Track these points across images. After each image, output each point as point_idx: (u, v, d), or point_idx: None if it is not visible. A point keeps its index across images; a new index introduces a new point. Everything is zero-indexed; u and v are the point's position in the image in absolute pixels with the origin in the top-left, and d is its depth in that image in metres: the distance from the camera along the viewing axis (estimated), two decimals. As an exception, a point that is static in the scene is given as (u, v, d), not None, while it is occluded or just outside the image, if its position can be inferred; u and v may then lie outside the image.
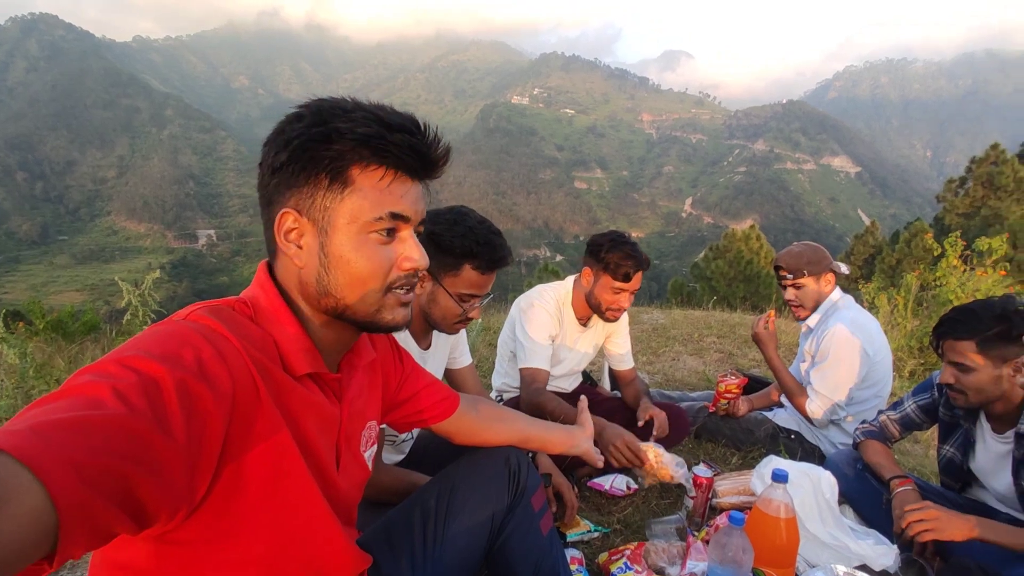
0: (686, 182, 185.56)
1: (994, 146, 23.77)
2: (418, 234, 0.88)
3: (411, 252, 0.84)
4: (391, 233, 0.82)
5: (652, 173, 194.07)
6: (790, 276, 2.46)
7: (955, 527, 1.61)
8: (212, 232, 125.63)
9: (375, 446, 1.08)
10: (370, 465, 1.05)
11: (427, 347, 1.71)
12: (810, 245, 2.51)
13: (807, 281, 2.45)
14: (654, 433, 2.18)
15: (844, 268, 2.48)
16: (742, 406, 2.64)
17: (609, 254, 2.15)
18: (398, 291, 0.85)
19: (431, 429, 1.28)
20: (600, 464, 1.50)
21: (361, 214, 0.79)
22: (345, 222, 0.79)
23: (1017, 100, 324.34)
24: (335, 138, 0.76)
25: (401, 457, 1.75)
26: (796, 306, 2.50)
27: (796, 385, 2.48)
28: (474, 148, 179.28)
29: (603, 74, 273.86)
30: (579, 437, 1.44)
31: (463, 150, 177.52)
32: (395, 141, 0.77)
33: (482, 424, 1.31)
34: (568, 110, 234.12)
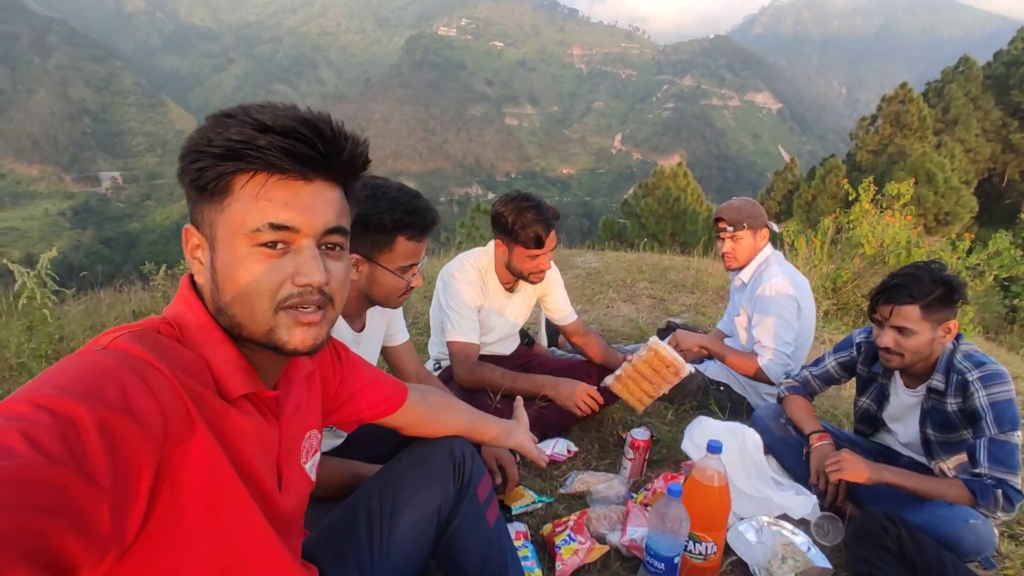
0: (616, 118, 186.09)
1: (902, 85, 24.99)
2: (332, 245, 0.80)
3: (302, 266, 0.75)
4: (280, 246, 0.75)
5: (582, 109, 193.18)
6: (730, 228, 2.51)
7: (861, 469, 1.77)
8: (117, 174, 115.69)
9: (317, 454, 1.03)
10: (313, 475, 1.00)
11: (360, 328, 1.64)
12: (749, 200, 2.57)
13: (745, 234, 2.51)
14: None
15: (776, 227, 2.56)
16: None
17: (515, 224, 2.08)
18: (295, 310, 0.77)
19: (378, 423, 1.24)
20: (543, 463, 1.57)
21: (240, 226, 0.73)
22: (226, 235, 0.74)
23: (923, 39, 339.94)
24: (205, 148, 0.72)
25: (339, 441, 1.70)
26: (731, 257, 2.57)
27: (746, 358, 2.54)
28: (401, 82, 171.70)
29: (532, 5, 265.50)
30: (516, 431, 1.49)
31: (389, 84, 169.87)
32: (261, 144, 0.71)
33: (431, 416, 1.29)
34: (497, 43, 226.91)
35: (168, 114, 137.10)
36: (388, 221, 1.43)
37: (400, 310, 1.90)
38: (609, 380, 2.12)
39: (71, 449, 0.56)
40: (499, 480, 1.73)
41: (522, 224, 2.06)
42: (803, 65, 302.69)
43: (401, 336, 1.88)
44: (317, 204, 0.76)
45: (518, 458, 2.03)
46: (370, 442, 1.74)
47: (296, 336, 0.78)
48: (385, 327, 1.81)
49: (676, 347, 2.62)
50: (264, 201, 0.73)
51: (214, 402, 0.75)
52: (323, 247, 0.79)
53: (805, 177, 23.71)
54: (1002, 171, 28.30)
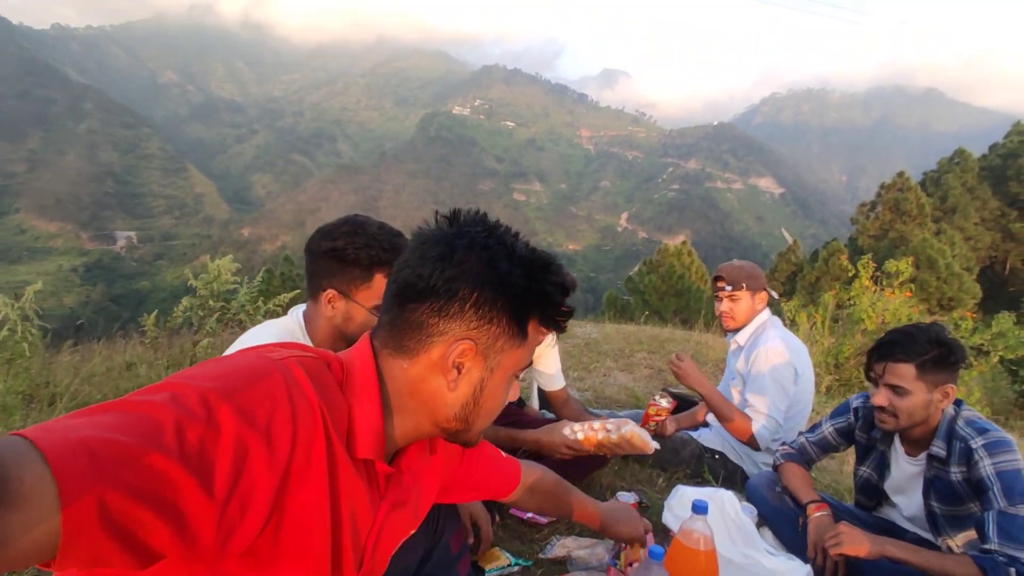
0: (622, 197, 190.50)
1: (900, 174, 25.64)
2: None
3: (514, 389, 0.93)
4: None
5: (589, 187, 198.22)
6: (729, 287, 2.49)
7: (862, 542, 1.66)
8: (132, 234, 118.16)
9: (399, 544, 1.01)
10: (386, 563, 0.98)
11: None
12: (750, 263, 2.57)
13: (744, 295, 2.48)
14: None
15: (775, 294, 2.55)
16: (669, 426, 2.64)
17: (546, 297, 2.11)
18: None
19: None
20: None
21: (520, 363, 0.87)
22: (507, 367, 0.85)
23: (920, 132, 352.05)
24: (543, 303, 0.84)
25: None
26: (728, 317, 2.53)
27: (728, 406, 2.46)
28: (414, 156, 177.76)
29: (544, 88, 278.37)
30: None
31: (403, 158, 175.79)
32: (569, 311, 0.87)
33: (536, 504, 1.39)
34: (509, 123, 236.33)
35: (190, 179, 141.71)
36: (365, 257, 1.41)
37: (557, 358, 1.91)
38: (569, 433, 2.01)
39: (203, 455, 0.58)
40: (471, 540, 1.62)
41: (557, 301, 2.11)
42: (804, 152, 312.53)
43: (559, 381, 1.90)
44: None
45: (496, 519, 1.93)
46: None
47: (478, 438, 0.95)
48: None
49: (681, 371, 2.49)
50: (533, 348, 0.89)
51: (341, 453, 0.75)
52: None
53: (808, 259, 23.91)
54: (1003, 259, 28.50)
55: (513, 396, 1.49)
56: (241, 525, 0.62)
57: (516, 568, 1.69)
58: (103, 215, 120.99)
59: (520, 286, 0.80)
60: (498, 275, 0.80)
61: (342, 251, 1.39)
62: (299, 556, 0.73)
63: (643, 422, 2.62)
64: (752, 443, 2.38)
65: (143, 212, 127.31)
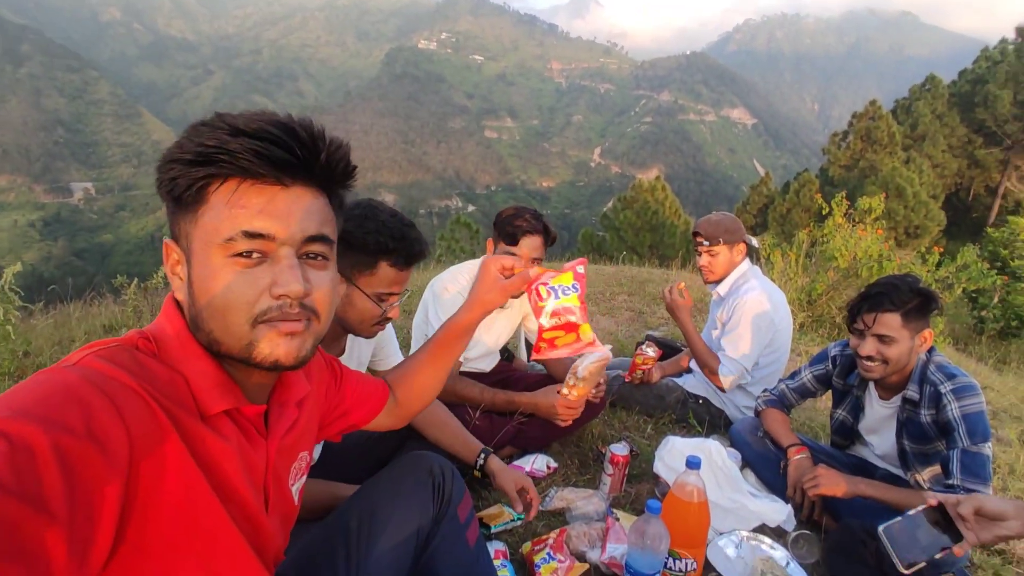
0: (595, 132, 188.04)
1: (872, 102, 25.65)
2: (315, 255, 0.77)
3: (279, 276, 0.72)
4: (257, 255, 0.71)
5: (562, 122, 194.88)
6: (707, 243, 2.54)
7: (838, 483, 1.80)
8: (90, 185, 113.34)
9: (304, 476, 1.01)
10: (297, 498, 0.98)
11: (339, 354, 1.61)
12: (727, 215, 2.60)
13: (721, 249, 2.54)
14: (592, 396, 2.19)
15: (754, 241, 2.60)
16: (655, 373, 2.74)
17: (504, 220, 2.12)
18: (277, 323, 0.73)
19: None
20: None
21: (214, 235, 0.70)
22: (200, 246, 0.71)
23: (892, 58, 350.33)
24: (178, 156, 0.70)
25: (314, 460, 1.66)
26: (708, 271, 2.60)
27: (708, 354, 2.58)
28: (380, 94, 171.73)
29: (512, 19, 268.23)
30: (484, 297, 1.19)
31: (369, 96, 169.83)
32: (233, 147, 0.68)
33: (407, 400, 1.28)
34: (477, 56, 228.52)
35: (144, 125, 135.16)
36: (372, 243, 1.39)
37: (391, 333, 1.88)
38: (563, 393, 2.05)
39: (23, 479, 0.53)
40: (520, 508, 1.68)
41: (509, 220, 2.10)
42: (776, 81, 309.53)
43: (394, 359, 1.87)
44: (295, 210, 0.73)
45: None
46: (349, 461, 1.71)
47: (280, 348, 0.74)
48: (371, 351, 1.79)
49: (676, 310, 2.63)
50: (238, 208, 0.70)
51: (192, 422, 0.71)
52: (304, 256, 0.76)
53: (780, 191, 24.14)
54: (968, 186, 29.14)
55: (393, 315, 1.47)
56: (96, 535, 0.58)
57: (519, 522, 1.78)
58: (56, 166, 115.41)
59: (166, 160, 0.71)
60: (162, 162, 0.72)
61: (349, 233, 1.37)
62: (197, 533, 0.71)
63: (630, 370, 2.72)
64: (718, 383, 2.51)
65: (98, 162, 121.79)
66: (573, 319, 1.15)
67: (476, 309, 1.17)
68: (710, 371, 2.57)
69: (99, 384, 0.64)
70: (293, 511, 0.97)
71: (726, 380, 2.48)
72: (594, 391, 2.17)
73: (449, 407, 2.09)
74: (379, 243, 1.40)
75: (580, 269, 1.19)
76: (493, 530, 1.72)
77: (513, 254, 2.10)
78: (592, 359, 1.90)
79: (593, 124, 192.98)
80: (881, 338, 1.76)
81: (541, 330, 1.16)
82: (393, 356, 1.86)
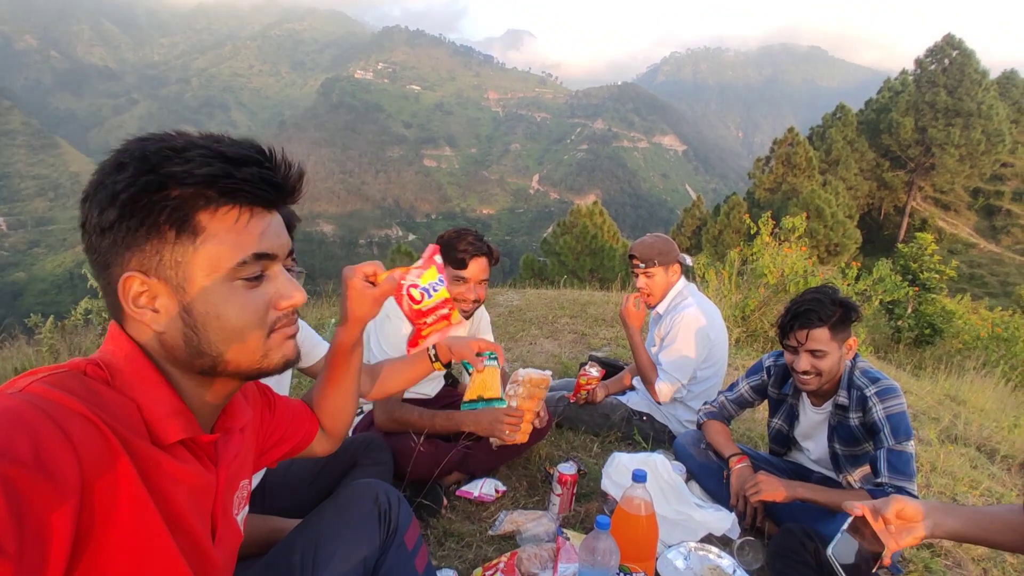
0: (532, 159, 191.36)
1: (790, 129, 27.33)
2: (289, 267, 0.82)
3: (286, 290, 0.78)
4: (259, 275, 0.76)
5: (500, 150, 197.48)
6: (642, 265, 2.61)
7: (777, 488, 1.86)
8: (1, 220, 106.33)
9: (247, 506, 0.99)
10: (242, 527, 0.96)
11: None
12: (661, 237, 2.68)
13: (657, 271, 2.61)
14: (539, 422, 2.18)
15: (688, 260, 2.69)
16: (599, 393, 2.77)
17: (448, 246, 2.11)
18: (283, 329, 0.80)
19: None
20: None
21: (221, 262, 0.72)
22: (204, 274, 0.71)
23: (806, 88, 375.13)
24: (172, 185, 0.68)
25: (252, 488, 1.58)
26: (647, 294, 2.67)
27: (651, 366, 2.64)
28: (317, 124, 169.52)
29: (448, 51, 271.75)
30: (357, 310, 1.15)
31: (305, 126, 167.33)
32: (245, 176, 0.70)
33: (330, 425, 1.23)
34: (414, 86, 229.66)
35: (62, 156, 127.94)
36: None
37: (308, 330, 1.83)
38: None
39: None
40: (479, 366, 1.59)
41: (453, 245, 2.09)
42: (703, 110, 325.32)
43: (319, 350, 1.81)
44: (281, 230, 0.79)
45: (445, 501, 1.97)
46: (293, 493, 1.64)
47: (288, 349, 0.81)
48: None
49: (629, 318, 2.67)
50: (246, 235, 0.73)
51: (145, 449, 0.69)
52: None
53: (711, 213, 25.22)
54: (879, 206, 31.36)
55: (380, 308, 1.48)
56: (46, 570, 0.56)
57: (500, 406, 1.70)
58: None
59: (132, 187, 0.67)
60: (108, 192, 0.67)
61: None
62: (146, 564, 0.69)
63: (575, 391, 2.74)
64: (654, 395, 2.57)
65: (10, 195, 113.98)
66: (446, 310, 1.21)
67: (352, 326, 1.14)
68: (648, 385, 2.63)
69: (47, 411, 0.61)
70: (238, 542, 0.94)
71: (662, 391, 2.55)
72: (537, 420, 2.16)
73: (392, 435, 2.04)
74: None
75: (438, 259, 1.23)
76: (463, 408, 1.66)
77: (463, 279, 2.10)
78: (530, 370, 1.93)
79: (531, 152, 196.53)
80: (814, 353, 1.84)
81: (418, 331, 1.17)
82: (317, 346, 1.82)
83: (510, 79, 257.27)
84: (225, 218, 0.71)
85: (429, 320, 1.16)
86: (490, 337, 2.51)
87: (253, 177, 0.71)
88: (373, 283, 1.12)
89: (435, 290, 1.17)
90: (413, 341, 1.17)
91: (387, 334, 2.11)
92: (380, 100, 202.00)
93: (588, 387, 2.70)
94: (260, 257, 0.75)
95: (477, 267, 2.10)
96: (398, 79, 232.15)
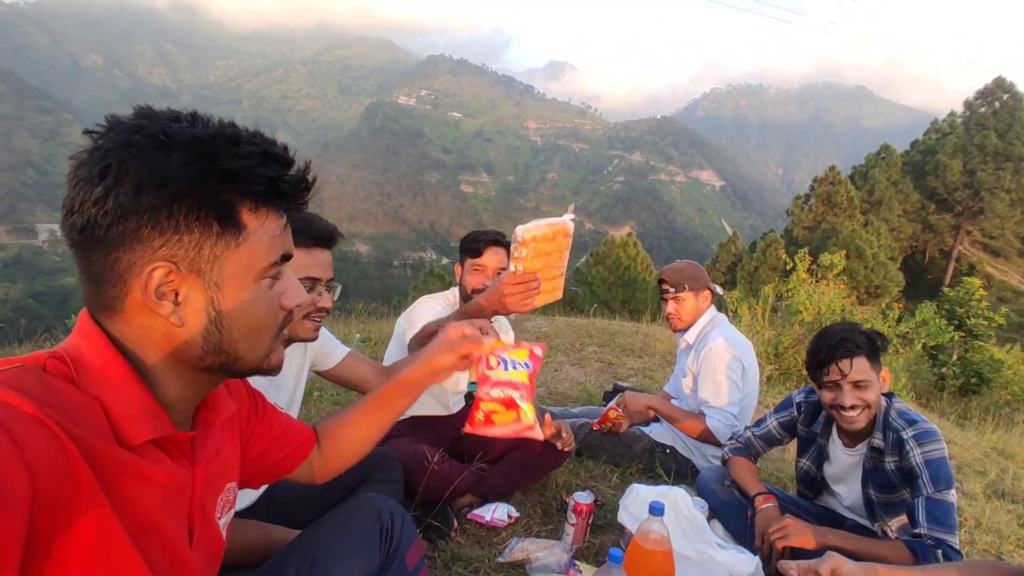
0: (569, 189, 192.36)
1: (831, 168, 26.91)
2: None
3: (294, 291, 0.79)
4: (278, 276, 0.77)
5: (537, 179, 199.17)
6: (672, 290, 2.56)
7: (806, 534, 1.75)
8: (55, 227, 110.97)
9: (232, 510, 0.94)
10: (225, 534, 0.91)
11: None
12: (691, 263, 2.63)
13: (687, 296, 2.56)
14: (561, 444, 2.12)
15: (719, 289, 2.63)
16: (624, 424, 2.69)
17: (467, 239, 2.23)
18: (282, 332, 0.80)
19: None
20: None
21: (257, 262, 0.72)
22: (240, 272, 0.70)
23: (849, 127, 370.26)
24: (230, 179, 0.67)
25: (253, 499, 1.55)
26: (675, 318, 2.61)
27: (678, 413, 2.56)
28: (359, 147, 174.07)
29: (491, 80, 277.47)
30: (436, 356, 1.09)
31: (348, 148, 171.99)
32: (292, 180, 0.72)
33: (334, 455, 1.14)
34: (455, 113, 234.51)
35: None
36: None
37: (327, 335, 1.81)
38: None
39: None
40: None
41: (472, 237, 2.21)
42: (743, 146, 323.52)
43: (338, 353, 1.80)
44: (290, 234, 0.79)
45: (456, 524, 1.92)
46: (292, 502, 1.61)
47: (283, 353, 0.82)
48: (309, 361, 1.72)
49: (624, 407, 2.61)
50: (276, 235, 0.74)
51: (108, 451, 0.64)
52: None
53: (747, 250, 24.88)
54: (923, 249, 30.41)
55: (323, 303, 1.44)
56: None
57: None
58: (21, 207, 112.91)
59: (191, 175, 0.64)
60: (154, 174, 0.63)
61: None
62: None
63: (600, 420, 2.66)
64: (709, 438, 2.45)
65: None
66: (516, 396, 1.06)
67: (422, 366, 1.08)
68: (682, 424, 2.54)
69: None
70: (220, 547, 0.89)
71: (718, 431, 2.43)
72: (561, 443, 2.09)
73: (405, 452, 2.00)
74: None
75: (537, 351, 1.11)
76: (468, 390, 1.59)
77: (479, 267, 2.15)
78: (542, 221, 1.48)
79: (567, 181, 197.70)
80: (858, 384, 1.75)
81: (479, 400, 1.08)
82: (335, 350, 1.79)
83: (550, 109, 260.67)
84: (262, 217, 0.71)
85: (493, 393, 1.08)
86: (511, 336, 2.49)
87: (296, 181, 0.72)
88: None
89: (515, 368, 1.08)
90: (471, 418, 1.09)
91: (418, 312, 2.14)
92: (421, 125, 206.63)
93: (616, 420, 2.62)
94: (285, 259, 0.76)
95: (492, 256, 2.16)
96: (440, 106, 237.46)
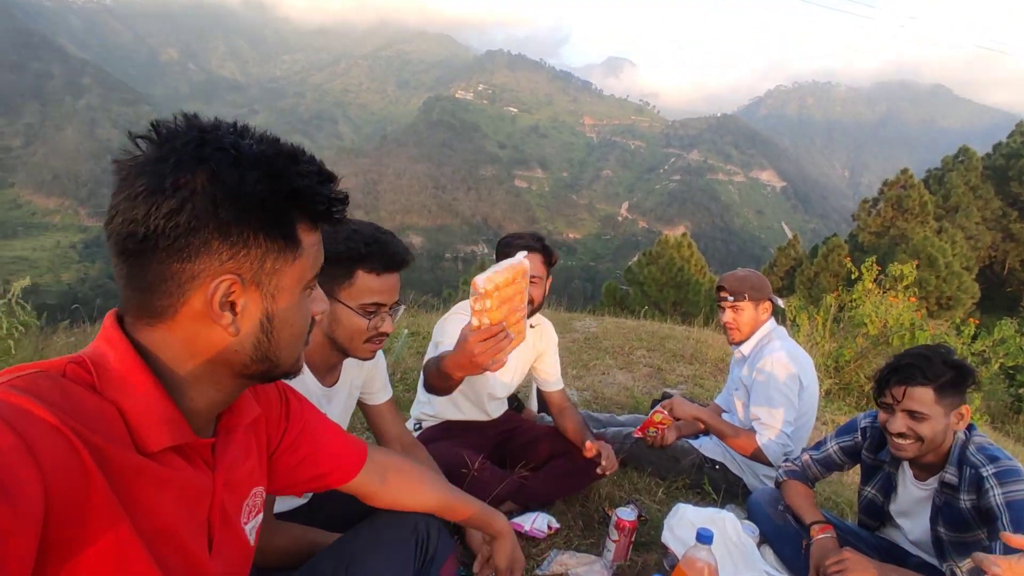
0: (623, 187, 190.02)
1: (904, 171, 25.53)
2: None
3: (319, 299, 0.83)
4: (313, 285, 0.81)
5: (591, 176, 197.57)
6: (731, 298, 2.44)
7: (867, 569, 1.63)
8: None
9: (260, 515, 0.93)
10: (253, 539, 0.90)
11: (332, 383, 1.54)
12: (754, 272, 2.50)
13: (747, 305, 2.43)
14: (601, 467, 2.07)
15: (780, 302, 2.49)
16: (670, 435, 2.60)
17: (503, 244, 2.15)
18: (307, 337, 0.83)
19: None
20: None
21: (306, 275, 0.76)
22: (293, 285, 0.74)
23: (924, 129, 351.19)
24: (297, 196, 0.70)
25: (302, 501, 1.57)
26: (733, 328, 2.48)
27: (730, 429, 2.44)
28: (416, 140, 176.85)
29: (548, 75, 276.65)
30: (497, 519, 1.28)
31: (405, 141, 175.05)
32: (342, 200, 0.74)
33: (389, 494, 1.15)
34: (512, 108, 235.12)
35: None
36: (346, 251, 1.34)
37: (383, 365, 1.78)
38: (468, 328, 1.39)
39: None
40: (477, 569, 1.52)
41: (508, 242, 2.12)
42: (807, 147, 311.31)
43: (383, 394, 1.75)
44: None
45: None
46: (331, 505, 1.61)
47: (303, 360, 0.85)
48: (362, 382, 1.70)
49: (670, 411, 2.50)
50: (319, 248, 0.78)
51: (125, 458, 0.64)
52: None
53: (808, 254, 23.87)
54: (1003, 259, 28.47)
55: (386, 328, 1.41)
56: None
57: None
58: (102, 192, 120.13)
59: (264, 192, 0.67)
60: (229, 189, 0.65)
61: (324, 248, 1.33)
62: None
63: (643, 426, 2.57)
64: (760, 457, 2.32)
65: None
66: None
67: (490, 526, 1.28)
68: (733, 441, 2.41)
69: (10, 421, 0.56)
70: (247, 553, 0.88)
71: (770, 450, 2.29)
72: (600, 468, 2.04)
73: (445, 457, 1.95)
74: (351, 249, 1.34)
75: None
76: None
77: None
78: (499, 266, 1.37)
79: (622, 179, 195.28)
80: (912, 414, 1.62)
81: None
82: (381, 391, 1.74)
83: (606, 105, 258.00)
84: (311, 232, 0.75)
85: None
86: (555, 358, 2.40)
87: (344, 200, 0.75)
88: None
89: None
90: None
91: (445, 328, 2.09)
92: (478, 120, 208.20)
93: (661, 427, 2.53)
94: (318, 273, 0.80)
95: (533, 262, 2.02)
96: (497, 100, 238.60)
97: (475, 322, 1.33)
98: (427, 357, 2.29)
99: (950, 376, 1.60)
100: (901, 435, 1.65)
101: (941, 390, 1.60)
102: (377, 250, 1.37)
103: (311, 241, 0.75)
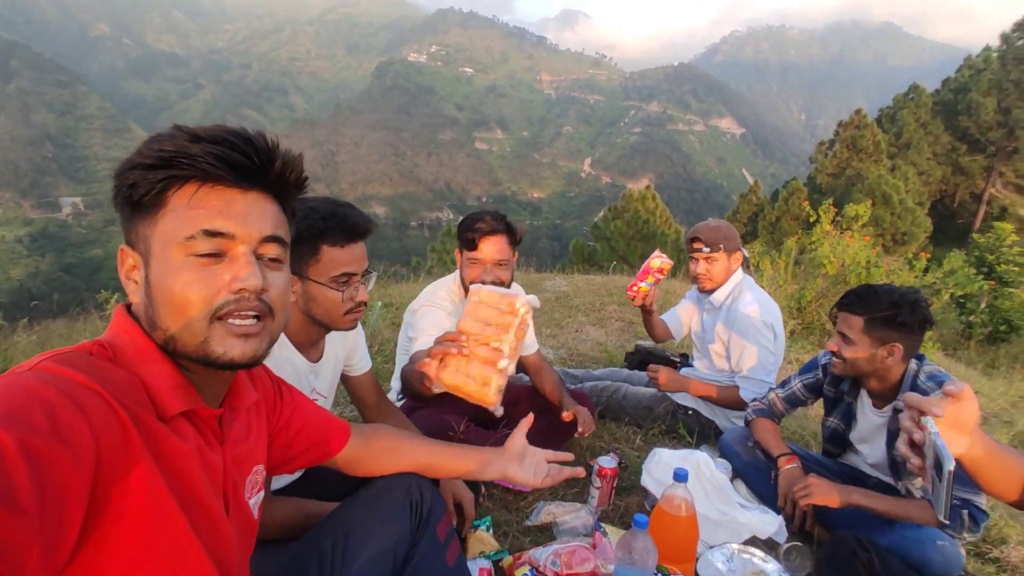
0: (585, 142, 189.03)
1: (857, 111, 25.96)
2: (273, 258, 0.81)
3: (238, 271, 0.75)
4: (216, 254, 0.75)
5: (552, 133, 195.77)
6: (707, 249, 2.48)
7: (830, 492, 1.76)
8: (79, 200, 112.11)
9: (261, 492, 0.99)
10: (256, 513, 0.97)
11: (318, 358, 1.57)
12: (725, 222, 2.55)
13: (720, 256, 2.49)
14: (579, 431, 2.16)
15: (746, 252, 2.58)
16: (653, 298, 2.64)
17: (463, 227, 2.05)
18: (231, 321, 0.76)
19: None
20: (533, 484, 1.32)
21: (174, 235, 0.73)
22: (160, 247, 0.74)
23: (876, 68, 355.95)
24: (138, 162, 0.72)
25: (294, 477, 1.61)
26: (706, 279, 2.53)
27: (727, 391, 2.51)
28: (371, 107, 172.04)
29: (502, 32, 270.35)
30: (497, 460, 1.29)
31: (360, 109, 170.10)
32: (193, 152, 0.72)
33: (374, 459, 1.23)
34: (467, 69, 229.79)
35: (134, 139, 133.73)
36: (306, 230, 1.36)
37: (362, 337, 1.83)
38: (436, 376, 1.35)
39: None
40: (455, 520, 1.65)
41: (468, 225, 2.04)
42: (764, 91, 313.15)
43: (362, 364, 1.80)
44: (252, 212, 0.77)
45: (483, 490, 1.97)
46: (328, 477, 1.66)
47: (235, 348, 0.77)
48: (345, 354, 1.74)
49: (660, 382, 2.56)
50: (198, 209, 0.73)
51: (152, 422, 0.72)
52: (262, 259, 0.79)
53: (769, 199, 24.30)
54: (953, 193, 29.47)
55: (361, 297, 1.43)
56: (63, 533, 0.58)
57: (500, 559, 1.69)
58: (44, 181, 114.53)
59: (125, 166, 0.74)
60: (119, 172, 0.74)
61: None
62: (157, 537, 0.71)
63: (637, 279, 2.58)
64: (743, 407, 2.43)
65: (87, 176, 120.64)
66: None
67: (490, 471, 1.30)
68: (725, 402, 2.51)
69: (59, 386, 0.63)
70: (252, 527, 0.95)
71: (748, 399, 2.40)
72: (578, 433, 2.15)
73: (430, 421, 2.01)
74: (311, 227, 1.37)
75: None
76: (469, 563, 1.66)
77: (476, 260, 2.04)
78: (498, 288, 1.37)
79: (583, 135, 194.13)
80: (843, 336, 1.81)
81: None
82: (362, 361, 1.79)
83: (564, 61, 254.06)
84: (183, 193, 0.74)
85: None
86: (531, 332, 2.46)
87: (203, 152, 0.72)
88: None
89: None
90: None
91: (417, 322, 2.09)
92: (433, 83, 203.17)
93: (659, 274, 2.51)
94: (211, 234, 0.74)
95: (491, 247, 2.01)
96: (451, 62, 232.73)
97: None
98: (401, 347, 2.33)
99: (884, 312, 1.72)
100: (834, 353, 1.84)
101: (871, 322, 1.74)
102: (336, 223, 1.40)
103: (180, 202, 0.73)
